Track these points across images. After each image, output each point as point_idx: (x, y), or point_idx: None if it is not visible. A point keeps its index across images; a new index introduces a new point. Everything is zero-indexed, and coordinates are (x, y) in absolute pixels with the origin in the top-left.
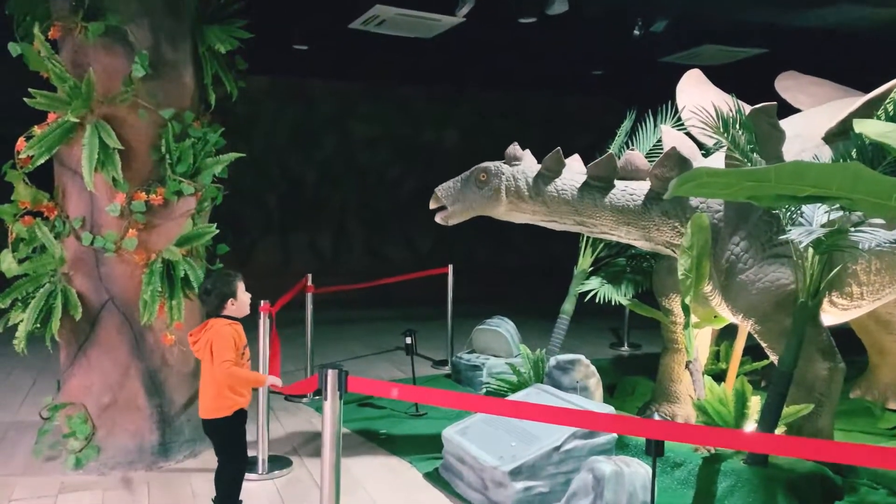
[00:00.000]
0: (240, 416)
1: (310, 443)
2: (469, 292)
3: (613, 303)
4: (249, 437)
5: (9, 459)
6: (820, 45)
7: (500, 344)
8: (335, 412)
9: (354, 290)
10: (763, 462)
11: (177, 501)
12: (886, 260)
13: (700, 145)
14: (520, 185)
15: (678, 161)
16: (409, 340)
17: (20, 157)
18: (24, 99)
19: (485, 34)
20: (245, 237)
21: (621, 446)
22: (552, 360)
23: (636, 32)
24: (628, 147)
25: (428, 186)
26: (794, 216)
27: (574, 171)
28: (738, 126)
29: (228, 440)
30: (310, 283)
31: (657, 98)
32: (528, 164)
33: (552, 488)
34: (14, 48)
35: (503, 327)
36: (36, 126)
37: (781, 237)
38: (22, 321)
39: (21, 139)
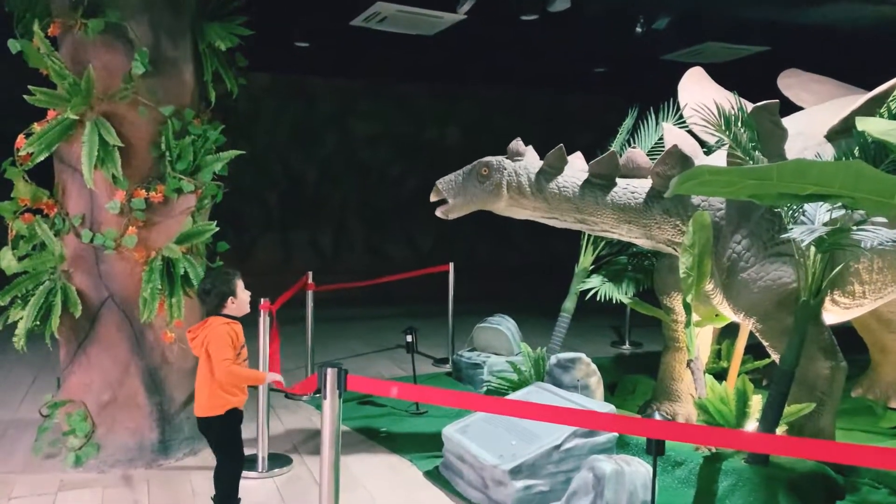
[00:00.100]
0: (233, 415)
1: (310, 441)
2: (470, 290)
3: (614, 301)
4: (249, 435)
5: (8, 457)
6: (822, 42)
7: (500, 342)
8: (334, 411)
9: (355, 287)
10: (764, 461)
11: (176, 499)
12: (888, 258)
13: (702, 143)
14: (521, 181)
15: (680, 159)
16: (409, 338)
17: (20, 154)
18: (24, 96)
19: (486, 31)
20: (245, 235)
21: (622, 445)
22: (553, 359)
23: (638, 30)
24: (630, 145)
25: (429, 184)
26: (796, 214)
27: (576, 168)
28: (740, 124)
29: (222, 438)
30: (310, 280)
31: (659, 96)
32: (530, 160)
33: (552, 487)
34: (14, 45)
35: (504, 325)
36: (35, 123)
37: (783, 235)
38: (21, 318)
39: (21, 136)
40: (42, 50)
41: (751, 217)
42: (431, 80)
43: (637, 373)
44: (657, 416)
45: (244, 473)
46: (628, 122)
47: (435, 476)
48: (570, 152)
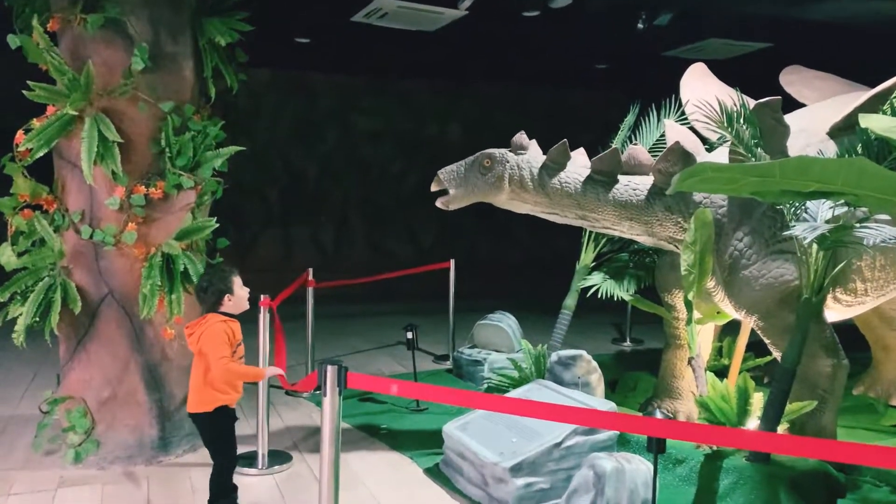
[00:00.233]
0: (222, 413)
1: (310, 438)
2: (471, 287)
3: (615, 298)
4: (249, 432)
5: (8, 453)
6: (825, 39)
7: (501, 339)
8: (334, 408)
9: (356, 284)
10: (765, 459)
11: (176, 496)
12: (891, 256)
13: (704, 140)
14: (523, 175)
15: (682, 156)
16: (410, 335)
17: (19, 149)
18: (23, 91)
19: (488, 27)
20: (246, 231)
21: (622, 443)
22: (554, 356)
23: (640, 26)
24: (631, 141)
25: (429, 181)
26: (799, 212)
27: (578, 164)
28: (742, 120)
29: (210, 435)
30: (311, 277)
31: (661, 92)
32: (533, 155)
33: (553, 485)
34: (13, 40)
35: (505, 322)
36: (35, 119)
37: (785, 233)
38: (21, 315)
39: (20, 132)
40: (41, 45)
41: (753, 214)
42: (432, 77)
43: (638, 370)
44: (658, 414)
45: (244, 471)
46: (630, 119)
47: (435, 473)
48: (571, 149)
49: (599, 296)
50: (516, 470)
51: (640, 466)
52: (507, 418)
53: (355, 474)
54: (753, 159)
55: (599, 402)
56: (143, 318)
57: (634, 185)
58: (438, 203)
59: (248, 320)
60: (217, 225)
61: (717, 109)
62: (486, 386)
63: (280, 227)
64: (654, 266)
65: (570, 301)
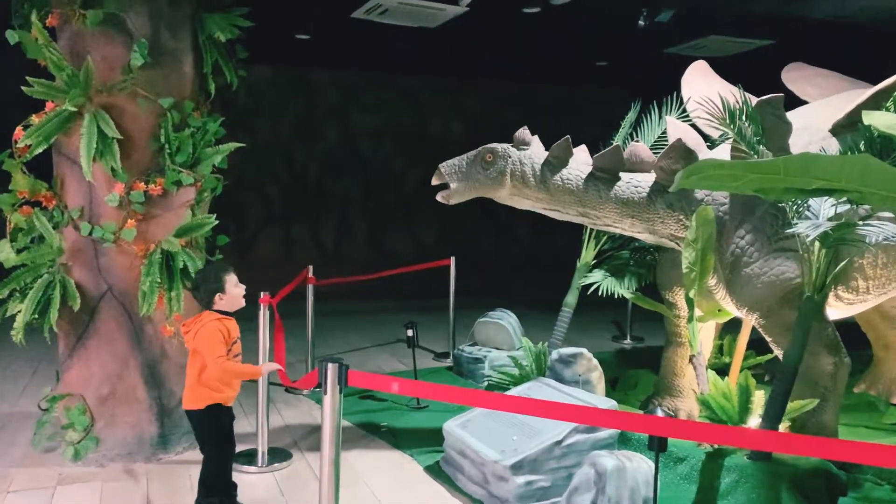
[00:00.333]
0: (214, 411)
1: (310, 435)
2: (471, 285)
3: (616, 296)
4: (249, 429)
5: (7, 450)
6: (827, 36)
7: (502, 336)
8: (335, 406)
9: (356, 281)
10: (766, 457)
11: (175, 493)
12: (893, 254)
13: (705, 137)
14: (525, 171)
15: (684, 153)
16: (410, 333)
17: (18, 146)
18: (22, 87)
19: (489, 24)
20: (247, 228)
21: (623, 440)
22: (554, 354)
23: (641, 23)
24: (633, 139)
25: (431, 178)
26: (801, 209)
27: (580, 161)
28: (744, 117)
29: (201, 433)
30: (311, 274)
31: (662, 89)
32: (535, 150)
33: (554, 483)
34: (12, 36)
35: (505, 320)
36: (34, 115)
37: (788, 230)
38: (20, 312)
39: (19, 128)
40: (40, 41)
41: (755, 212)
42: (433, 74)
43: (638, 368)
44: (660, 412)
45: (244, 468)
46: (631, 116)
47: (436, 471)
48: (573, 146)
49: (600, 293)
50: (517, 468)
51: (641, 464)
52: (507, 416)
53: (355, 472)
54: (755, 156)
55: (600, 399)
56: (142, 315)
57: (636, 183)
58: (439, 197)
59: (248, 317)
60: (217, 222)
61: (720, 106)
62: (486, 384)
63: (280, 224)
64: (655, 264)
65: (571, 299)
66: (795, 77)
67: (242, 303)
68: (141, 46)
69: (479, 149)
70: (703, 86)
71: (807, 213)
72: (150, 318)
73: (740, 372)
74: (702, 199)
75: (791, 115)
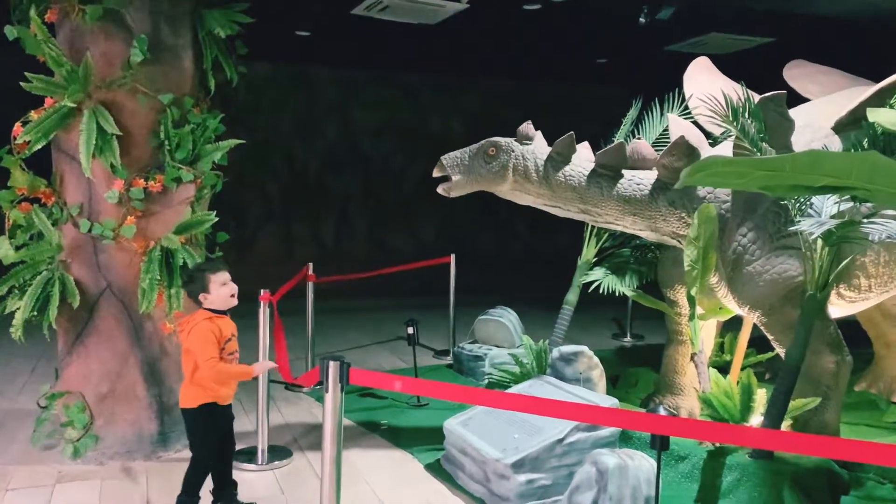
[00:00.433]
0: (205, 410)
1: (310, 433)
2: (472, 282)
3: (617, 294)
4: (249, 427)
5: (6, 448)
6: (829, 33)
7: (502, 334)
8: (336, 404)
9: (356, 279)
10: (768, 456)
11: (175, 491)
12: (895, 252)
13: (707, 134)
14: (528, 166)
15: (686, 150)
16: (410, 330)
17: (17, 142)
18: (21, 83)
19: (489, 21)
20: (247, 225)
21: (625, 439)
22: (555, 351)
23: (642, 20)
24: (634, 136)
25: (431, 175)
26: (804, 207)
27: (583, 158)
28: (747, 115)
29: (188, 431)
30: (311, 272)
31: (663, 87)
32: (538, 146)
33: (555, 481)
34: (11, 31)
35: (506, 317)
36: (33, 111)
37: (791, 228)
38: (19, 309)
39: (17, 124)
40: (39, 36)
41: (757, 209)
42: (434, 70)
43: (639, 365)
44: (662, 411)
45: (244, 466)
46: (632, 113)
47: (436, 469)
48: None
49: (601, 291)
50: (518, 466)
51: (642, 463)
52: (508, 414)
53: (356, 470)
54: (758, 154)
55: (601, 398)
56: (142, 312)
57: (638, 180)
58: (440, 189)
59: (247, 315)
60: (217, 219)
61: (723, 103)
62: (487, 382)
63: (280, 221)
64: (656, 261)
65: (572, 296)
66: (797, 74)
67: (233, 302)
68: (140, 42)
69: (482, 142)
70: (705, 82)
71: (809, 210)
72: (149, 316)
73: (741, 370)
74: (704, 197)
75: (793, 113)
